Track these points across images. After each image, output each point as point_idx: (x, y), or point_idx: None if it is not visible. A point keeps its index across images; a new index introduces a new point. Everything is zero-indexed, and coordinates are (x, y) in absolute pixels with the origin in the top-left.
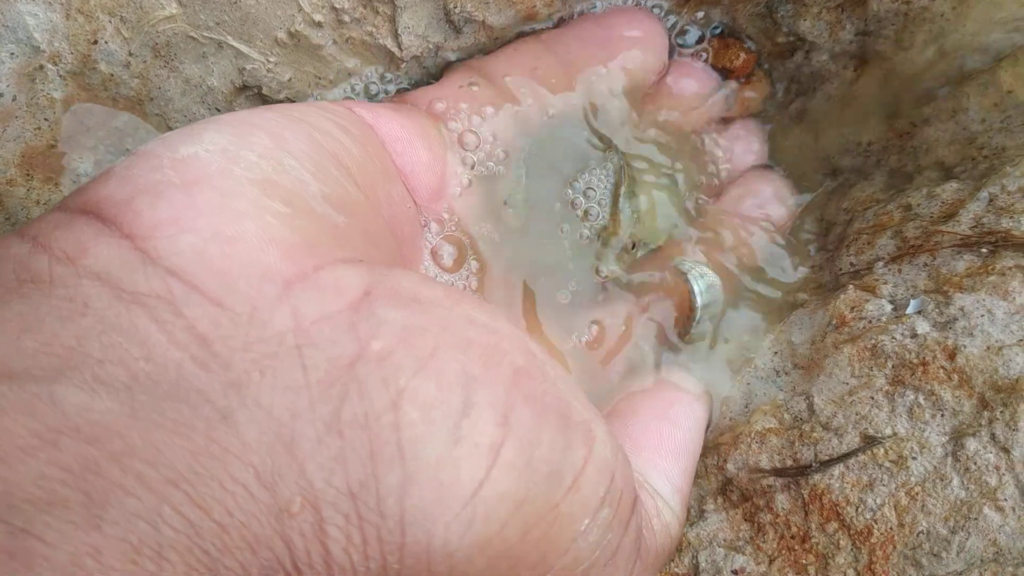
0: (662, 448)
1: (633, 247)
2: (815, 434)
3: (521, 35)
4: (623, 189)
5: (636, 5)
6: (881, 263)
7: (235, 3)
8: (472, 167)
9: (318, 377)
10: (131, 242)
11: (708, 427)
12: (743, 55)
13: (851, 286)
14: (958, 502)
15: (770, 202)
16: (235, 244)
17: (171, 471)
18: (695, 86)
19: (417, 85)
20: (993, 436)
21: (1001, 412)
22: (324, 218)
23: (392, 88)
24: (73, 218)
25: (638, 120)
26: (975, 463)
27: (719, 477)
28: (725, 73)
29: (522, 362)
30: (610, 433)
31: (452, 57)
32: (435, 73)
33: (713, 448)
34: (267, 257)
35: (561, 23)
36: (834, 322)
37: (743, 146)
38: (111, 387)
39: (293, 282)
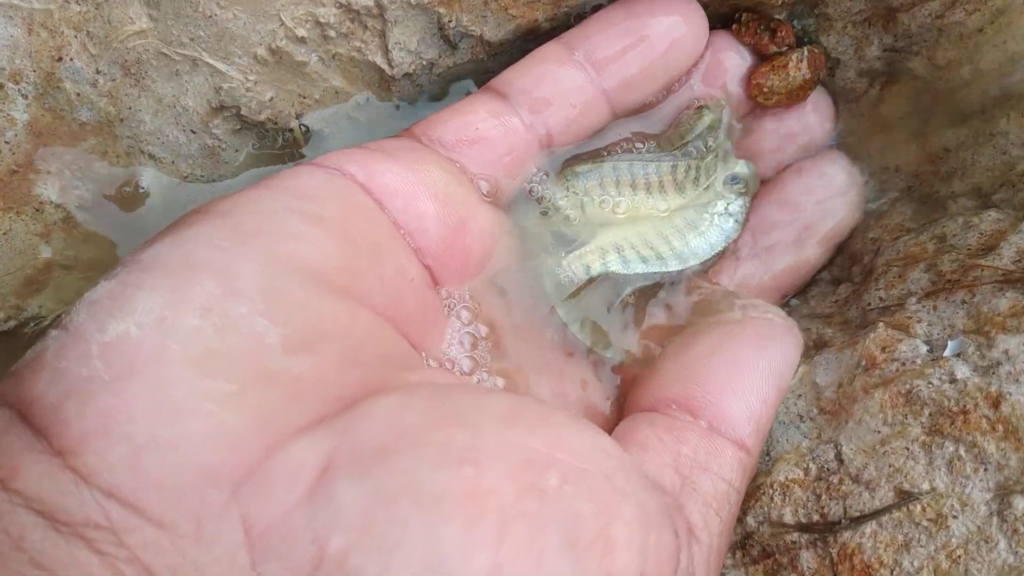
0: (744, 374)
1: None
2: (844, 487)
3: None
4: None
5: None
6: (914, 299)
7: (210, 17)
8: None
9: None
10: (62, 459)
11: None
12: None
13: (881, 324)
14: (1006, 567)
15: (841, 193)
16: (173, 449)
17: None
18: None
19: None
20: None
21: None
22: (282, 374)
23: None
24: (7, 424)
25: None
26: None
27: (738, 530)
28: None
29: (510, 496)
30: (640, 503)
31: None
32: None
33: None
34: (210, 456)
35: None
36: (863, 363)
37: (817, 118)
38: None
39: (241, 481)
